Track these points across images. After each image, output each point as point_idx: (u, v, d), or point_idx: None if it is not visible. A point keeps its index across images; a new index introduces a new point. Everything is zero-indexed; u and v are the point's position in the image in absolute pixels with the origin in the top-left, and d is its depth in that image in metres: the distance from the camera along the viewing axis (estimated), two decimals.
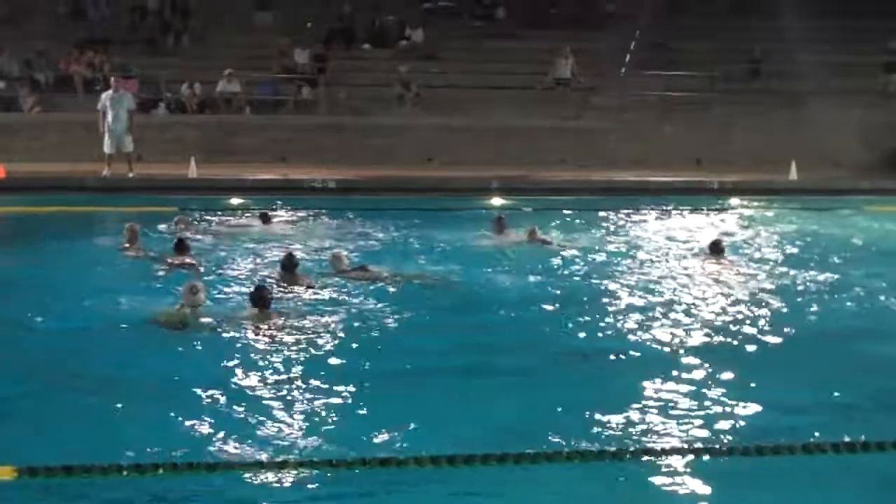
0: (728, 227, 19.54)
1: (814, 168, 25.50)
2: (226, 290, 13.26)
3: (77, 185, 22.66)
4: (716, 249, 15.62)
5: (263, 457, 7.80)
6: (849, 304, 13.32)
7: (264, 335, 11.08)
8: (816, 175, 25.25)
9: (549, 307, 12.96)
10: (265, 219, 18.30)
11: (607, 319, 12.31)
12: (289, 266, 13.52)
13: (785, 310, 12.88)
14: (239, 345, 10.79)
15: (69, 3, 32.54)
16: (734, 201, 22.73)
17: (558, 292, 13.71)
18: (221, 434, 8.22)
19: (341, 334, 11.28)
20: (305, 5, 32.57)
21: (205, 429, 8.39)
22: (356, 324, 11.71)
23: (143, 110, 27.05)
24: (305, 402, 9.12)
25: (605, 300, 13.32)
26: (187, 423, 8.50)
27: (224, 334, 11.16)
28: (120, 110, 24.08)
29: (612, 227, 19.17)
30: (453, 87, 29.89)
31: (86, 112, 25.45)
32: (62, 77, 29.41)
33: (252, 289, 12.12)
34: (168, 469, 7.39)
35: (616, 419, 8.68)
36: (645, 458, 8.06)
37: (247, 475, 7.58)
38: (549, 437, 8.15)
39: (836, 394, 9.57)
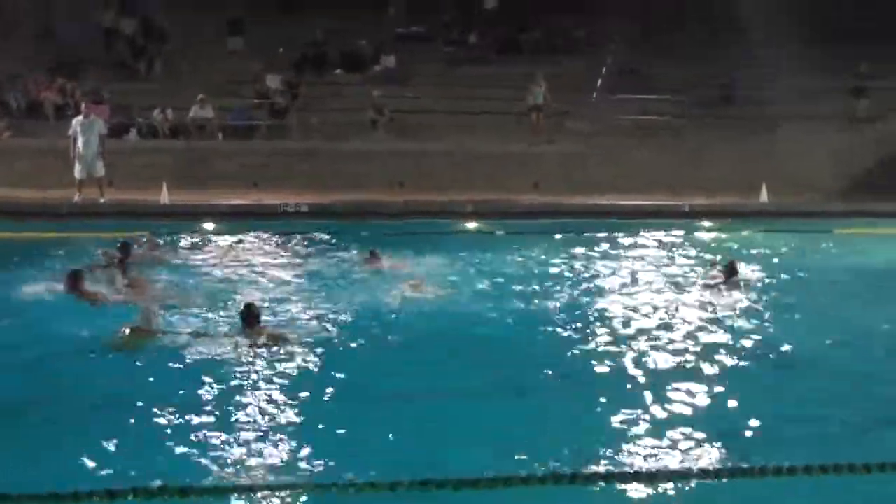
0: (700, 249, 19.58)
1: (785, 191, 25.61)
2: (186, 312, 13.28)
3: (48, 210, 22.52)
4: (732, 271, 15.62)
5: (234, 480, 7.77)
6: (820, 324, 13.38)
7: (225, 356, 11.14)
8: (787, 198, 25.35)
9: (519, 329, 13.02)
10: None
11: (577, 341, 12.34)
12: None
13: (756, 331, 12.93)
14: (197, 366, 10.82)
15: (40, 26, 32.31)
16: (706, 224, 22.79)
17: (523, 315, 13.78)
18: (187, 458, 8.20)
19: (317, 357, 11.30)
20: (278, 31, 32.59)
21: (169, 452, 8.37)
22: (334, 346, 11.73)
23: (115, 135, 26.94)
24: (268, 424, 9.14)
25: (576, 322, 13.34)
26: (147, 446, 8.49)
27: (181, 356, 11.19)
28: (91, 136, 24.02)
29: (584, 250, 19.16)
30: (426, 113, 29.92)
31: (57, 138, 25.36)
32: (33, 103, 29.29)
33: (241, 307, 12.25)
34: (140, 494, 7.33)
35: (578, 443, 8.71)
36: (615, 481, 8.06)
37: (217, 500, 7.53)
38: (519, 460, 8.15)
39: (807, 415, 9.60)
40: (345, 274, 16.33)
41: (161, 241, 18.62)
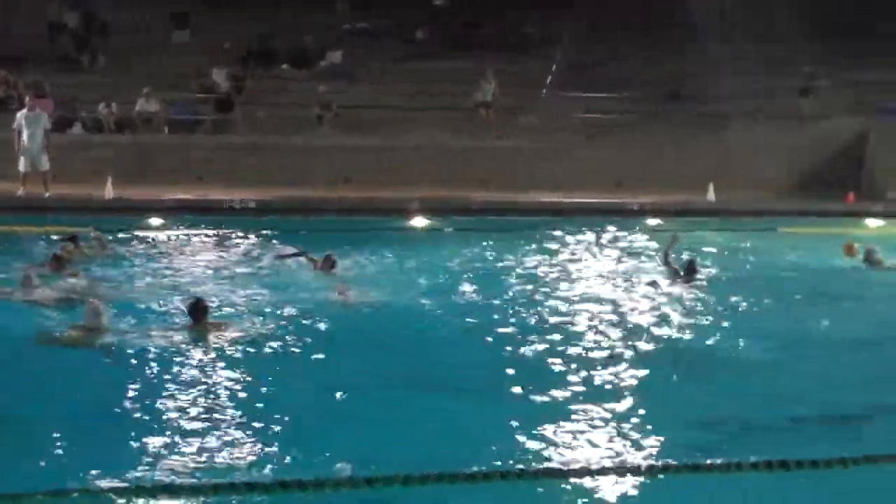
0: (647, 247, 19.64)
1: (732, 189, 25.77)
2: (130, 309, 13.12)
3: None
4: (691, 269, 15.68)
5: (176, 478, 7.68)
6: (761, 323, 13.46)
7: (177, 352, 11.05)
8: (734, 196, 25.51)
9: (464, 324, 13.00)
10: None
11: (522, 339, 12.32)
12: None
13: (700, 327, 12.99)
14: (143, 363, 10.72)
15: None
16: (653, 222, 22.86)
17: (471, 311, 13.76)
18: (132, 455, 8.09)
19: (262, 352, 11.27)
20: (224, 25, 32.37)
21: (114, 449, 8.25)
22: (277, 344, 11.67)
23: (59, 129, 26.65)
24: (219, 422, 9.03)
25: (522, 320, 13.34)
26: (91, 444, 8.37)
27: (127, 353, 11.09)
28: (36, 129, 23.77)
29: (532, 248, 19.17)
30: (372, 108, 29.83)
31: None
32: None
33: (189, 301, 12.21)
34: (83, 493, 7.24)
35: (518, 440, 8.70)
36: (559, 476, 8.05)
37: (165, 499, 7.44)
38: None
39: (752, 412, 9.64)
40: (290, 271, 16.21)
41: (109, 237, 18.38)
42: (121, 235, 19.12)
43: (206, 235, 19.88)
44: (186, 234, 19.87)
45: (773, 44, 31.04)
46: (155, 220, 21.18)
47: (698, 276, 15.69)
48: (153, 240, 19.35)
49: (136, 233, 19.73)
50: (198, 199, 23.78)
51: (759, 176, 27.33)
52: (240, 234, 19.89)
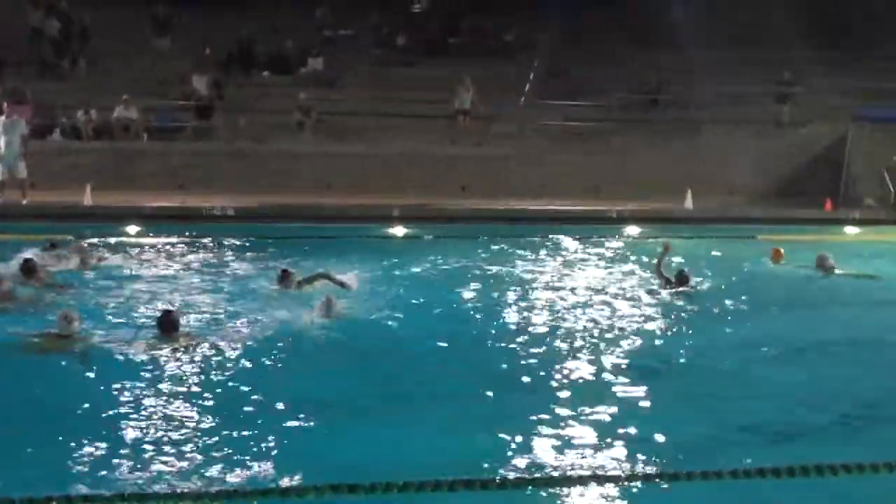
0: (625, 254, 19.70)
1: (710, 196, 25.85)
2: (106, 317, 13.18)
3: None
4: (682, 279, 15.81)
5: (145, 488, 7.74)
6: (742, 331, 13.53)
7: (161, 359, 11.09)
8: (712, 203, 25.60)
9: (444, 333, 13.03)
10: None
11: (501, 346, 12.39)
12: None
13: (679, 335, 13.05)
14: (118, 372, 10.75)
15: None
16: (632, 230, 22.92)
17: (451, 319, 13.87)
18: (100, 464, 8.16)
19: (236, 363, 11.30)
20: (204, 31, 32.31)
21: (91, 459, 8.30)
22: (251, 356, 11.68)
23: (37, 136, 26.58)
24: (189, 433, 9.07)
25: (506, 327, 13.38)
26: (73, 453, 8.40)
27: (98, 362, 11.13)
28: (13, 136, 23.69)
29: (511, 255, 19.20)
30: (353, 115, 29.83)
31: None
32: None
33: (159, 313, 12.24)
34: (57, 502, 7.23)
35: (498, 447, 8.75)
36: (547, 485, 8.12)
37: None
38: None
39: (723, 421, 9.73)
40: (269, 280, 16.20)
41: (86, 244, 18.32)
42: (98, 243, 19.03)
43: (185, 243, 19.79)
44: (165, 242, 19.80)
45: (751, 50, 31.18)
46: (133, 228, 21.12)
47: (689, 285, 15.76)
48: (131, 248, 19.27)
49: (115, 240, 19.64)
50: (177, 206, 23.71)
51: (737, 182, 27.50)
52: (219, 241, 19.83)
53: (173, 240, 20.00)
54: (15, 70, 30.34)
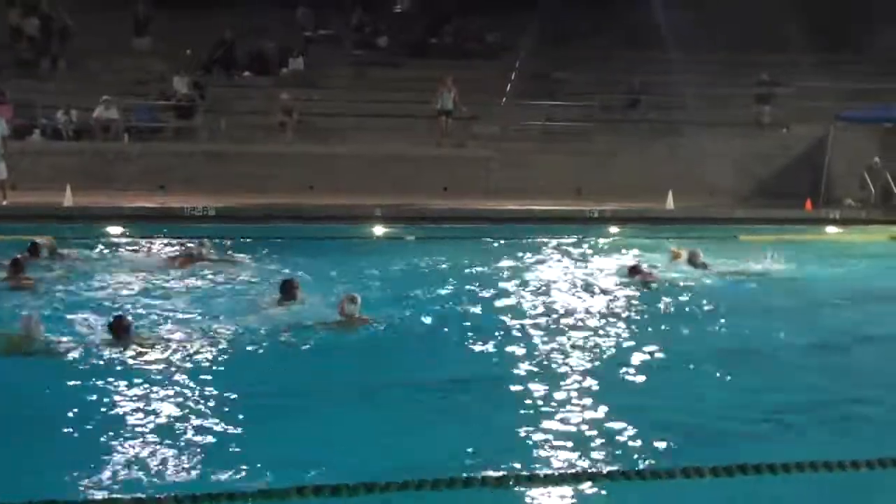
0: (606, 254, 19.72)
1: (691, 197, 25.92)
2: (70, 318, 13.12)
3: None
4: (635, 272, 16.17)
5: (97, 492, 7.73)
6: (722, 331, 13.58)
7: (116, 363, 11.07)
8: (693, 203, 25.66)
9: (429, 334, 13.08)
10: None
11: (480, 347, 12.39)
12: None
13: (660, 336, 13.07)
14: (72, 375, 10.72)
15: None
16: (612, 230, 22.95)
17: (432, 319, 13.83)
18: (50, 469, 8.11)
19: (192, 364, 11.28)
20: (185, 32, 32.23)
21: (58, 462, 8.28)
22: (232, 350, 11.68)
23: (17, 137, 26.49)
24: (158, 432, 9.06)
25: (488, 326, 13.37)
26: (39, 456, 8.41)
27: (55, 365, 11.12)
28: None
29: (493, 255, 19.18)
30: (334, 116, 29.81)
31: None
32: None
33: (110, 317, 12.14)
34: None
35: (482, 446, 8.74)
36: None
37: None
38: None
39: (723, 416, 9.75)
40: (243, 281, 16.15)
41: (62, 246, 18.19)
42: (77, 243, 18.94)
43: (164, 244, 19.68)
44: (143, 243, 19.67)
45: (732, 52, 31.31)
46: (113, 229, 21.04)
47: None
48: (108, 249, 19.15)
49: (92, 241, 19.52)
50: (157, 206, 23.66)
51: (718, 183, 27.57)
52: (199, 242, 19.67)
53: (153, 240, 19.86)
54: None
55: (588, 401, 10.14)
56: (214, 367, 11.18)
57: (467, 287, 16.13)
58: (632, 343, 12.65)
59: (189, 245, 18.27)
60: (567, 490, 8.02)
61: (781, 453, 8.43)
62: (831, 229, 23.90)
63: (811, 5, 30.38)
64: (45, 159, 26.50)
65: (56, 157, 26.75)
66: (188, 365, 11.19)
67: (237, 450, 8.63)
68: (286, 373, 11.19)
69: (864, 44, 32.65)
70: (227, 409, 9.64)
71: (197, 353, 11.66)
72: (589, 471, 8.35)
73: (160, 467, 8.25)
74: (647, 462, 8.45)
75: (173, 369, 11.02)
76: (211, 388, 10.33)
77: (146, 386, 10.35)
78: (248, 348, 11.97)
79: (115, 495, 7.66)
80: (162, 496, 7.45)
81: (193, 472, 8.18)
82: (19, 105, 28.40)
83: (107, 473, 8.10)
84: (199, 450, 8.65)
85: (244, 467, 8.14)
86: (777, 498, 8.06)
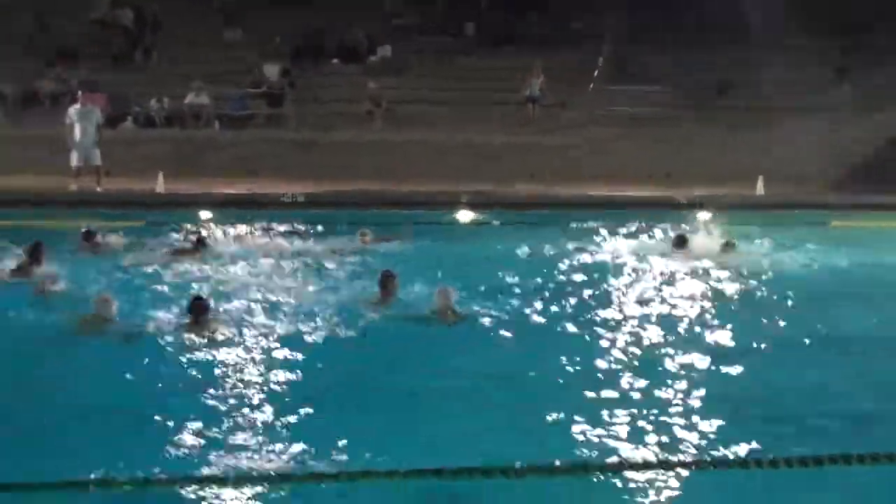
0: (695, 241, 19.54)
1: (780, 183, 25.59)
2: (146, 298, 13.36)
3: (44, 199, 22.41)
4: (680, 243, 16.33)
5: (204, 471, 7.83)
6: (816, 320, 13.38)
7: (187, 347, 11.16)
8: (783, 190, 25.33)
9: (518, 319, 12.98)
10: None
11: (579, 333, 12.33)
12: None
13: (751, 322, 12.96)
14: (147, 357, 10.88)
15: (35, 18, 32.13)
16: (701, 216, 22.72)
17: (529, 306, 13.74)
18: (151, 448, 8.21)
19: (268, 350, 11.31)
20: (274, 21, 32.54)
21: (116, 441, 8.36)
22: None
23: (111, 125, 26.92)
24: (234, 415, 9.12)
25: (577, 315, 13.34)
26: (96, 435, 8.49)
27: (131, 346, 11.28)
28: (87, 124, 24.01)
29: (580, 241, 19.09)
30: (421, 103, 29.89)
31: (52, 126, 25.25)
32: (28, 91, 29.27)
33: (189, 299, 12.20)
34: (98, 485, 7.36)
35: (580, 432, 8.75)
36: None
37: (185, 490, 7.56)
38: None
39: (793, 408, 9.67)
40: (331, 266, 16.22)
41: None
42: (167, 229, 19.16)
43: (254, 230, 19.79)
44: (233, 229, 19.80)
45: (821, 36, 30.80)
46: (205, 214, 21.28)
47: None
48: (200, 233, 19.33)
49: (179, 226, 19.69)
50: (248, 193, 23.88)
51: (809, 169, 27.11)
52: (288, 228, 19.84)
53: (242, 226, 19.99)
54: (90, 60, 30.74)
55: (700, 391, 10.10)
56: (295, 356, 11.05)
57: (553, 274, 16.06)
58: (735, 331, 12.52)
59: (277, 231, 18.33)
60: (667, 479, 8.02)
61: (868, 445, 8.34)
62: None
63: None
64: (138, 147, 26.94)
65: (148, 145, 27.20)
66: (266, 354, 11.14)
67: (304, 435, 8.57)
68: (369, 365, 11.06)
69: None
70: (301, 399, 9.58)
71: (278, 340, 11.63)
72: (692, 461, 8.36)
73: (232, 451, 8.28)
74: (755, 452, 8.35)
75: (251, 356, 11.03)
76: (290, 377, 10.31)
77: (222, 370, 10.45)
78: (333, 338, 11.90)
79: (189, 473, 7.79)
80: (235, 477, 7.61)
81: (273, 457, 8.18)
82: (113, 95, 28.84)
83: (180, 452, 8.20)
84: (272, 436, 8.62)
85: (314, 450, 8.16)
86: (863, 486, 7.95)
